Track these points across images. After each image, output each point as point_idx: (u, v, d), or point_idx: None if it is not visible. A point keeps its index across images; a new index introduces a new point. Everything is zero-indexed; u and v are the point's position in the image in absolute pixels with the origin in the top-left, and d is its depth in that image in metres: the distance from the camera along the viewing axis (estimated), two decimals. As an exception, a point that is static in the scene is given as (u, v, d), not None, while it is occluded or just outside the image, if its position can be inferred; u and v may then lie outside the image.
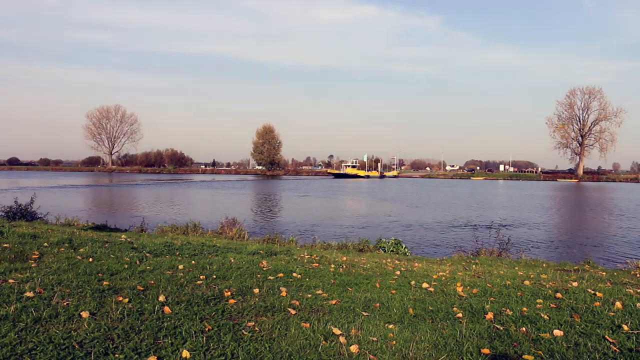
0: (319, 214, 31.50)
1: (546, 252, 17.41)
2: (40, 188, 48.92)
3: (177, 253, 7.78)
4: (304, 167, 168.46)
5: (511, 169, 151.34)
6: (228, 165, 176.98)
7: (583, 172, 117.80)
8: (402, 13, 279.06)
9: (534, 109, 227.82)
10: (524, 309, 4.89)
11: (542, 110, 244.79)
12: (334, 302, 4.93)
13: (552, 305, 5.09)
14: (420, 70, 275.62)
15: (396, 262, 9.74)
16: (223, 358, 3.29)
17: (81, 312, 3.98)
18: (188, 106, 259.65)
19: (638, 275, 8.82)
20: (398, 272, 7.35)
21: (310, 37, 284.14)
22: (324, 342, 3.68)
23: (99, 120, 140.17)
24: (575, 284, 6.58)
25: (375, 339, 3.83)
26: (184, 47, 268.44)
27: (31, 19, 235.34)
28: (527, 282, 6.56)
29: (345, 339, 3.78)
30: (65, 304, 4.20)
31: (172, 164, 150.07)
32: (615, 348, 3.73)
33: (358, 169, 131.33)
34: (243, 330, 3.85)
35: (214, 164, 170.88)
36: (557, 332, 4.07)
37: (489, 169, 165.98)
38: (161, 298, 4.59)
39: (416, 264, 9.43)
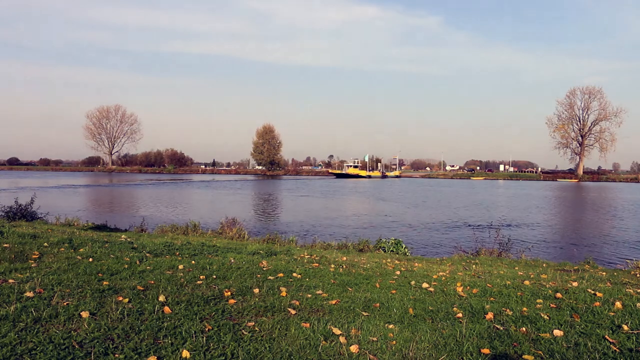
0: (319, 214, 31.49)
1: (546, 252, 17.41)
2: (40, 188, 48.86)
3: (177, 253, 7.78)
4: (304, 167, 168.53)
5: (511, 169, 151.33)
6: (228, 165, 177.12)
7: (583, 172, 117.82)
8: (402, 13, 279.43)
9: (534, 109, 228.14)
10: (524, 309, 4.89)
11: (542, 110, 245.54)
12: (334, 302, 4.93)
13: (552, 305, 5.09)
14: (421, 70, 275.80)
15: (396, 262, 9.74)
16: (223, 358, 3.29)
17: (81, 312, 3.98)
18: (188, 106, 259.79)
19: (638, 275, 8.82)
20: (398, 272, 7.35)
21: (310, 37, 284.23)
22: (324, 342, 3.68)
23: (99, 120, 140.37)
24: (575, 284, 6.58)
25: (375, 339, 3.83)
26: (184, 47, 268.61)
27: (31, 19, 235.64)
28: (527, 282, 6.56)
29: (345, 339, 3.78)
30: (65, 304, 4.20)
31: (172, 164, 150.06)
32: (615, 348, 3.73)
33: (359, 169, 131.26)
34: (243, 330, 3.85)
35: (214, 164, 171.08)
36: (557, 332, 4.07)
37: (489, 169, 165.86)
38: (161, 298, 4.59)
39: (416, 264, 9.42)
